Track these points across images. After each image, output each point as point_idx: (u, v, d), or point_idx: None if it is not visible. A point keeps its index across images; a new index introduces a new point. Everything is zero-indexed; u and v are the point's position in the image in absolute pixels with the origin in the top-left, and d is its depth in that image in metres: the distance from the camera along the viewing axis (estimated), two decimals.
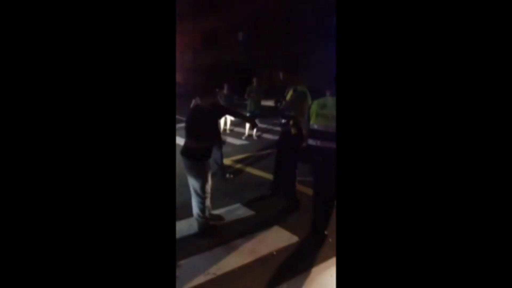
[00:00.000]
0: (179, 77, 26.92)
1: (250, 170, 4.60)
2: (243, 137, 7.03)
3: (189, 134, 2.57)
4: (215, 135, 2.82)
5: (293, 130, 2.99)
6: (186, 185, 2.69)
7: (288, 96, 3.13)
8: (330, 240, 2.57)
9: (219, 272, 2.16)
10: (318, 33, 14.17)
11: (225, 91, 7.34)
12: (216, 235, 2.67)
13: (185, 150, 2.55)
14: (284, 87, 3.33)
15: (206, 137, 2.55)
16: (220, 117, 2.82)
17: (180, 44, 25.76)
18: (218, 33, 21.30)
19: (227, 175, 4.27)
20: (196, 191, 2.59)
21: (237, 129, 8.04)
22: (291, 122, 3.00)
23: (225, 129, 7.97)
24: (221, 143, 4.16)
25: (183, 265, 2.24)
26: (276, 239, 2.58)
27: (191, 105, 4.01)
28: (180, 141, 7.72)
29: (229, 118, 7.94)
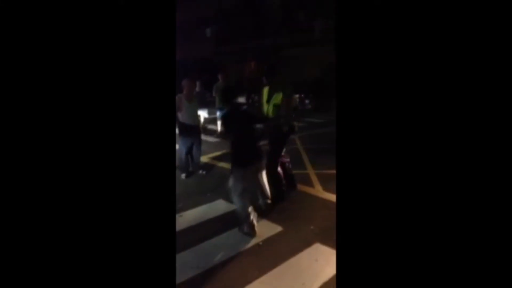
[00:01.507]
0: None
1: (223, 164, 4.65)
2: (215, 135, 7.04)
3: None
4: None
5: (285, 129, 3.17)
6: None
7: (277, 98, 3.13)
8: (312, 227, 2.71)
9: (207, 266, 2.21)
10: (286, 28, 14.37)
11: (197, 88, 7.29)
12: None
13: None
14: (254, 81, 3.50)
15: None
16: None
17: None
18: (185, 28, 20.87)
19: (200, 172, 4.35)
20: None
21: (210, 126, 8.02)
22: (282, 121, 3.13)
23: (203, 127, 7.92)
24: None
25: None
26: (261, 230, 2.66)
27: (176, 102, 4.01)
28: None
29: (202, 115, 7.90)
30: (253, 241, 2.52)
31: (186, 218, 2.97)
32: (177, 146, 4.18)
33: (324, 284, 2.00)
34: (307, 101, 12.25)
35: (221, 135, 2.95)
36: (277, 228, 2.72)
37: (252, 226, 2.59)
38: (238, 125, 2.67)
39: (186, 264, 2.23)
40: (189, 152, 4.21)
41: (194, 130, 4.16)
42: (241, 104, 2.96)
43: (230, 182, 2.66)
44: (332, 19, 13.24)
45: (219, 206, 3.22)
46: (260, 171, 2.73)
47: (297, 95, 12.24)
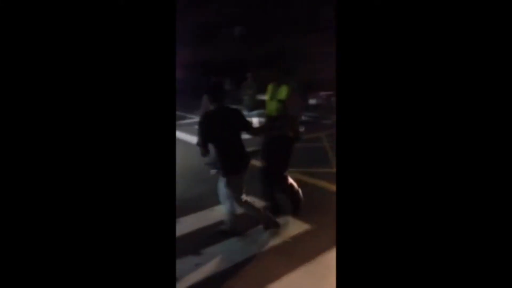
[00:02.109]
0: (178, 73, 26.82)
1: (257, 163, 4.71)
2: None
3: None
4: None
5: (290, 133, 2.66)
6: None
7: (282, 93, 2.65)
8: None
9: (236, 261, 2.29)
10: (313, 26, 14.20)
11: (227, 86, 7.43)
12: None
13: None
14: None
15: None
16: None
17: (178, 39, 25.60)
18: (213, 28, 21.21)
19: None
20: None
21: None
22: (288, 124, 2.64)
23: None
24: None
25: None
26: (289, 228, 2.70)
27: (202, 102, 4.13)
28: (183, 136, 7.77)
29: None
30: (282, 239, 2.56)
31: (217, 213, 3.06)
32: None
33: None
34: (333, 99, 12.04)
35: (199, 146, 2.44)
36: (305, 226, 2.75)
37: (271, 220, 2.59)
38: (222, 131, 2.33)
39: (216, 257, 2.33)
40: None
41: None
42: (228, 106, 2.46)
43: (223, 189, 2.52)
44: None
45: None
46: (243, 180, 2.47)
47: (323, 93, 12.10)
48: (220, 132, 2.34)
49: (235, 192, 2.45)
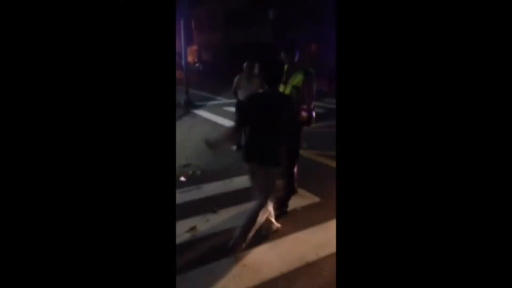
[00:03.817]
0: (207, 56, 27.34)
1: None
2: None
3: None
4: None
5: (303, 119, 2.52)
6: None
7: (298, 79, 2.61)
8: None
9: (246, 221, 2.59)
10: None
11: (255, 70, 7.63)
12: None
13: (276, 155, 2.14)
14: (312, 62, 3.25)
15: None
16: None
17: (207, 22, 25.92)
18: (246, 11, 21.22)
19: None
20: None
21: None
22: (304, 107, 2.52)
23: None
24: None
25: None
26: (300, 199, 2.95)
27: (235, 82, 4.50)
28: (210, 116, 8.08)
29: None
30: (292, 207, 2.82)
31: (236, 183, 3.41)
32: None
33: None
34: None
35: (232, 132, 2.30)
36: (315, 199, 2.99)
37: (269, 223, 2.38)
38: (259, 115, 2.04)
39: (232, 217, 2.65)
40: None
41: None
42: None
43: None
44: None
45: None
46: (267, 179, 2.14)
47: None
48: (259, 117, 2.05)
49: (260, 190, 2.20)
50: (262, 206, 2.17)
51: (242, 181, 3.43)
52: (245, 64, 4.63)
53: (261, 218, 2.23)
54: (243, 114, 2.17)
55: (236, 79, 4.61)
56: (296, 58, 2.68)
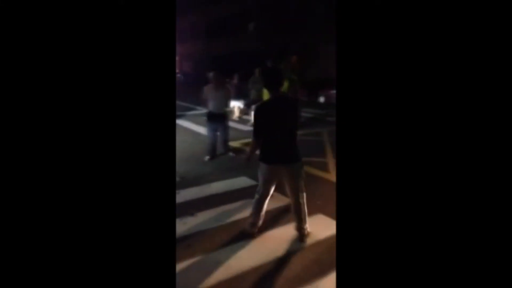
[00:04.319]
0: (188, 66, 27.47)
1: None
2: (249, 124, 7.55)
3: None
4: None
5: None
6: None
7: (283, 86, 2.95)
8: (319, 202, 3.12)
9: (228, 221, 2.74)
10: (327, 25, 14.42)
11: (235, 80, 7.87)
12: None
13: (297, 152, 2.36)
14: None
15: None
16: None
17: (189, 33, 26.15)
18: (227, 22, 21.60)
19: (230, 154, 4.90)
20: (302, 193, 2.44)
21: (244, 117, 8.57)
22: None
23: (239, 117, 8.53)
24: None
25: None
26: (276, 201, 3.13)
27: (204, 92, 4.65)
28: (189, 125, 8.20)
29: (237, 106, 8.48)
30: (267, 209, 2.99)
31: (213, 188, 3.57)
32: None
33: (317, 241, 2.46)
34: None
35: (254, 138, 2.39)
36: (286, 200, 3.17)
37: (253, 225, 2.53)
38: (274, 119, 2.24)
39: (210, 219, 2.79)
40: (214, 137, 4.73)
41: (218, 117, 4.63)
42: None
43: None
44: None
45: (241, 181, 3.75)
46: (294, 175, 2.34)
47: (334, 91, 12.42)
48: (274, 124, 2.25)
49: (260, 184, 2.43)
50: (265, 197, 2.46)
51: (219, 186, 3.60)
52: (211, 74, 4.66)
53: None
54: (259, 121, 2.31)
55: (204, 89, 4.67)
56: (283, 66, 2.94)
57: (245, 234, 2.55)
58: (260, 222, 2.56)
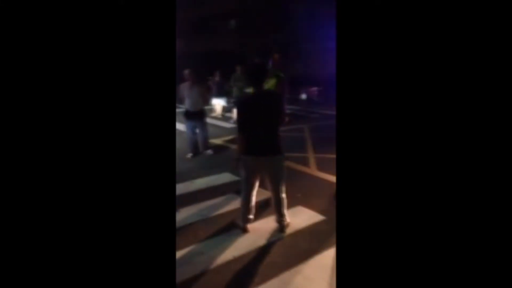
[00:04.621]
0: None
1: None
2: (231, 121, 7.62)
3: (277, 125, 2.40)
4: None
5: (287, 119, 2.80)
6: None
7: (271, 83, 3.11)
8: (299, 195, 3.25)
9: (210, 215, 2.82)
10: (307, 23, 14.63)
11: (217, 78, 7.92)
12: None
13: (279, 145, 2.42)
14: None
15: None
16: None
17: None
18: (208, 21, 21.49)
19: (208, 151, 4.94)
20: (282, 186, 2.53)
21: (227, 114, 8.63)
22: None
23: (222, 115, 8.57)
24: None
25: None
26: (257, 195, 3.24)
27: (180, 90, 4.67)
28: (178, 126, 8.23)
29: (220, 104, 8.52)
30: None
31: (197, 184, 3.65)
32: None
33: (296, 231, 2.60)
34: (323, 94, 12.62)
35: (238, 131, 2.44)
36: (268, 194, 3.28)
37: (244, 220, 2.60)
38: (256, 113, 2.32)
39: (194, 213, 2.87)
40: (194, 134, 4.78)
41: (194, 115, 4.67)
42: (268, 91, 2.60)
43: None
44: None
45: (224, 177, 3.84)
46: (273, 167, 2.43)
47: (315, 88, 12.67)
48: (255, 117, 2.32)
49: (243, 178, 2.50)
50: (251, 190, 2.53)
51: (202, 182, 3.68)
52: (185, 72, 4.68)
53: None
54: (242, 116, 2.38)
55: (180, 87, 4.69)
56: (270, 65, 3.11)
57: (235, 226, 2.64)
58: (250, 215, 2.63)
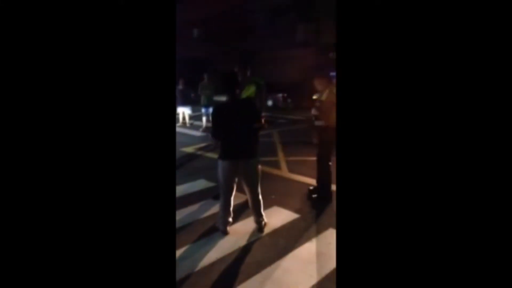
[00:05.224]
0: None
1: (210, 155, 5.32)
2: (201, 129, 7.66)
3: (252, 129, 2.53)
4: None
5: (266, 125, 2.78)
6: None
7: (251, 90, 3.10)
8: (273, 196, 3.42)
9: (187, 221, 2.89)
10: (269, 32, 15.07)
11: (180, 86, 7.93)
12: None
13: (254, 149, 2.58)
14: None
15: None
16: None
17: None
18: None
19: None
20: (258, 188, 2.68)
21: (196, 122, 8.65)
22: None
23: (184, 123, 8.54)
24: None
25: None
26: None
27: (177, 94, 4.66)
28: None
29: (187, 112, 8.52)
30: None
31: (180, 190, 3.64)
32: None
33: (274, 230, 2.76)
34: (289, 100, 13.05)
35: (212, 137, 2.59)
36: (244, 197, 3.42)
37: (224, 223, 2.69)
38: (231, 119, 2.44)
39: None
40: None
41: None
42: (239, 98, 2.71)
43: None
44: (313, 23, 14.07)
45: (199, 184, 3.91)
46: (249, 170, 2.56)
47: (280, 94, 13.07)
48: (230, 124, 2.44)
49: (222, 183, 2.59)
50: (229, 194, 2.64)
51: (178, 190, 3.71)
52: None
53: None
54: (216, 122, 2.51)
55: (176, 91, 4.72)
56: (249, 72, 3.21)
57: (216, 230, 2.73)
58: (230, 218, 2.73)
